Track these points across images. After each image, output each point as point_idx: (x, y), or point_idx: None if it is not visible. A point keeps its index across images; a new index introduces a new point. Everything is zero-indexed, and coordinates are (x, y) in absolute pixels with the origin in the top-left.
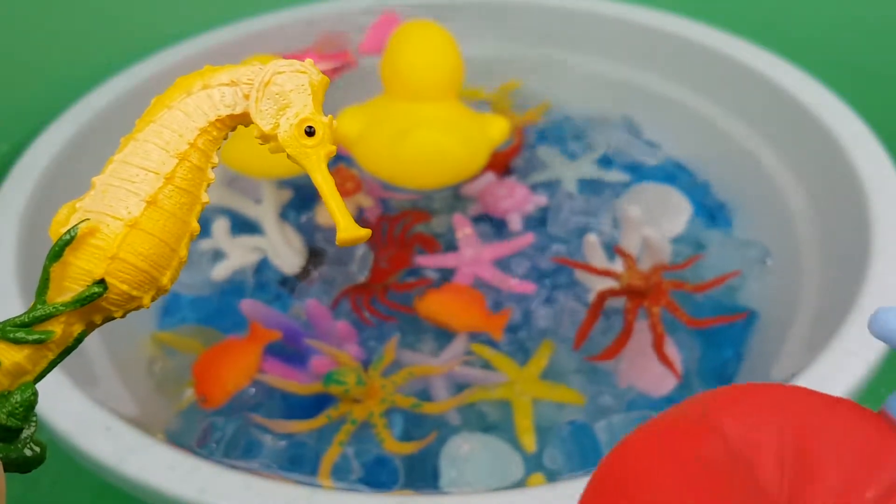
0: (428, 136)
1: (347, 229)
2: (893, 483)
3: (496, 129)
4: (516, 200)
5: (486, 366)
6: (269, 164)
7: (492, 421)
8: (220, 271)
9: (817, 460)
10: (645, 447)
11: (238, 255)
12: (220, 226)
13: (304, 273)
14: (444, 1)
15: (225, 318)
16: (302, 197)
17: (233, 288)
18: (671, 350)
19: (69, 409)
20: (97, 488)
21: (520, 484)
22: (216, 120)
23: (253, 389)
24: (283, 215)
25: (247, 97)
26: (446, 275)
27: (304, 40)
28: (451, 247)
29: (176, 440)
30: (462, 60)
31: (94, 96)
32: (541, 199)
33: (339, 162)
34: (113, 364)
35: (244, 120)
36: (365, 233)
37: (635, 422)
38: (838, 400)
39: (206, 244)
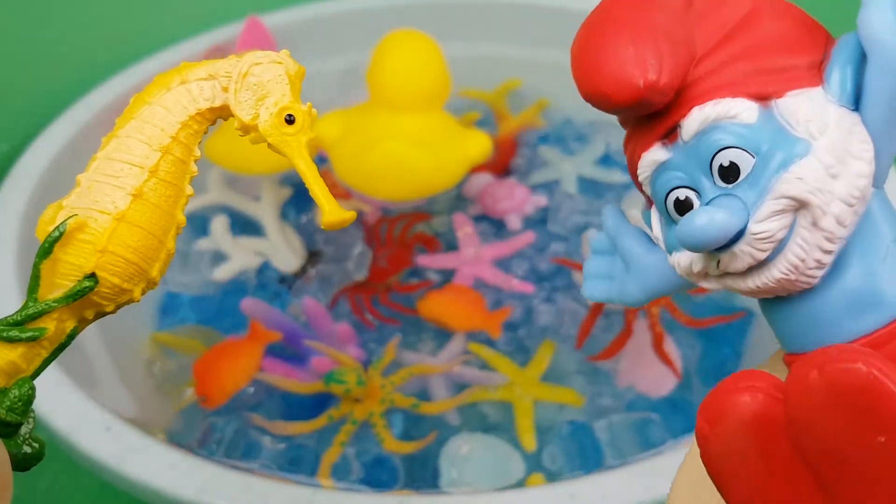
0: (395, 148)
1: (332, 212)
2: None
3: (476, 147)
4: (516, 201)
5: (486, 366)
6: (258, 160)
7: (492, 421)
8: (222, 273)
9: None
10: None
11: (239, 256)
12: (219, 224)
13: (302, 271)
14: (443, 0)
15: (225, 318)
16: (302, 195)
17: (234, 287)
18: (672, 349)
19: (69, 409)
20: (97, 488)
21: (520, 484)
22: (196, 113)
23: (252, 389)
24: (284, 214)
25: (225, 90)
26: (448, 276)
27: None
28: (452, 246)
29: (176, 440)
30: (448, 72)
31: (94, 96)
32: (540, 200)
33: (327, 164)
34: (113, 364)
35: (224, 112)
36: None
37: (635, 422)
38: None
39: (205, 244)
